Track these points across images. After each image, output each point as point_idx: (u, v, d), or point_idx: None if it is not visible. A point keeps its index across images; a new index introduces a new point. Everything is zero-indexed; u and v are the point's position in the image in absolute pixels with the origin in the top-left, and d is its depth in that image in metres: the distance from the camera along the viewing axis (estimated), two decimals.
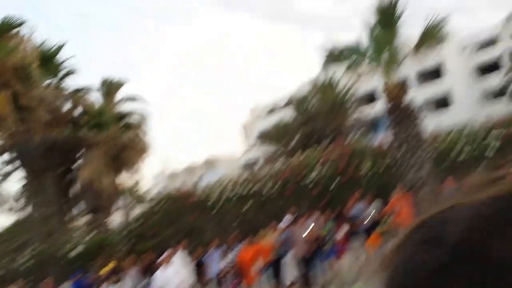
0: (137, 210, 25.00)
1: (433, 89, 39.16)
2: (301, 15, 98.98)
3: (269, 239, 12.55)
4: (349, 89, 31.78)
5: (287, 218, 12.76)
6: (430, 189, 11.63)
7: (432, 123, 28.75)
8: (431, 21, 11.64)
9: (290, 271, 12.26)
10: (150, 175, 69.87)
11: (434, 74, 39.87)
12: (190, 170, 53.23)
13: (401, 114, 11.48)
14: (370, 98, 35.15)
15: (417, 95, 37.75)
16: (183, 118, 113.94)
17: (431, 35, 11.71)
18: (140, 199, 41.08)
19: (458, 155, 19.26)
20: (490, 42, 41.27)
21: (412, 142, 11.55)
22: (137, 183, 38.97)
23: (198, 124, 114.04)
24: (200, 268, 13.26)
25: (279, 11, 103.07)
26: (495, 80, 36.58)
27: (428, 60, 13.56)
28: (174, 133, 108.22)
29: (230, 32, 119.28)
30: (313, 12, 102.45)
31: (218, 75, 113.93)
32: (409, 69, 13.90)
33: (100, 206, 23.02)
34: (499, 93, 37.71)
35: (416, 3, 11.73)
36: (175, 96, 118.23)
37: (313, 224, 12.52)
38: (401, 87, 11.74)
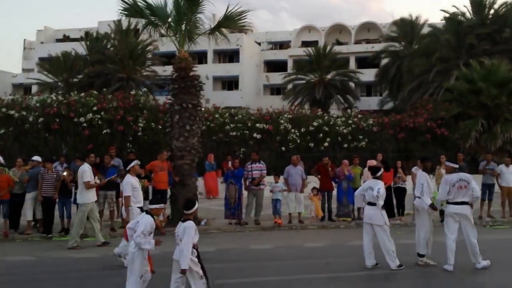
0: None
1: (225, 69, 41.62)
2: None
3: (11, 174, 11.70)
4: (149, 44, 31.40)
5: (37, 157, 12.15)
6: (191, 159, 12.33)
7: (216, 100, 30.77)
8: (232, 9, 12.11)
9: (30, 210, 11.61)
10: None
11: (230, 57, 42.47)
12: None
13: (184, 84, 11.88)
14: (168, 58, 35.45)
15: (211, 70, 39.77)
16: None
17: (230, 22, 12.37)
18: None
19: (226, 134, 21.10)
20: (282, 45, 46.31)
21: (187, 113, 11.98)
22: None
23: None
24: None
25: None
26: (277, 78, 40.85)
27: (227, 43, 14.10)
28: None
29: None
30: None
31: None
32: (207, 44, 14.44)
33: None
34: (277, 90, 42.42)
35: None
36: None
37: (65, 167, 12.28)
38: (190, 59, 12.15)
